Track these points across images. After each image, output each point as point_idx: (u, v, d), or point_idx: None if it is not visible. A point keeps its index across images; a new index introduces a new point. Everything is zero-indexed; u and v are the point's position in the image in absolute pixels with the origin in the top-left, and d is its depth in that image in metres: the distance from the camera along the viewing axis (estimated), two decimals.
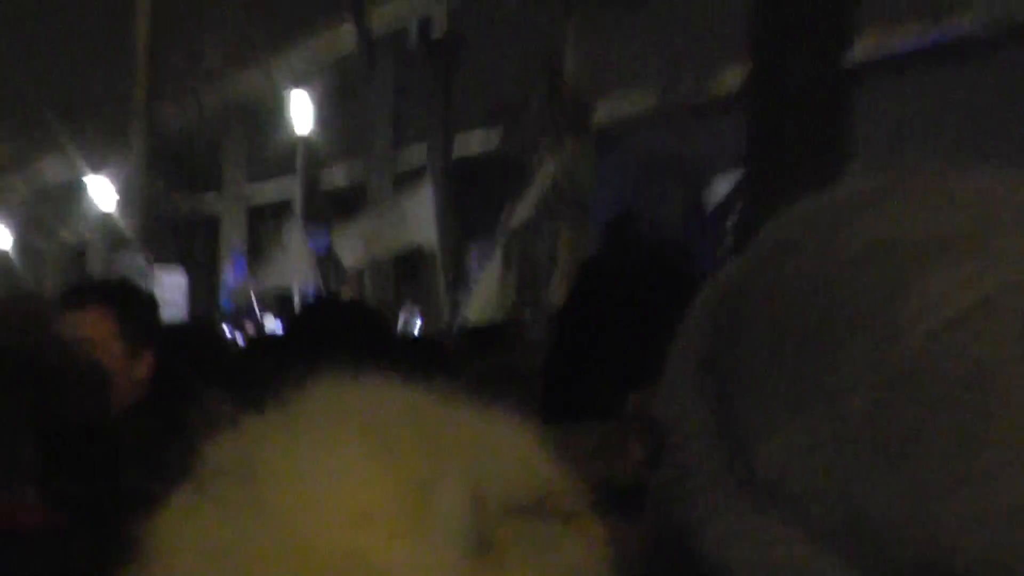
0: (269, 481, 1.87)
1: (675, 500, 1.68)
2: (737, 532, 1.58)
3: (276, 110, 57.69)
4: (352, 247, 40.32)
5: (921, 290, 1.52)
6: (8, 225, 76.19)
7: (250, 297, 44.11)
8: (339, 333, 7.07)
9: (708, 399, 1.68)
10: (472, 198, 45.31)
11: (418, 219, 38.55)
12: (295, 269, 43.32)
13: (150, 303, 9.87)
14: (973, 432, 1.47)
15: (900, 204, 1.66)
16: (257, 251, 57.38)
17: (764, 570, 1.56)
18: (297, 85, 55.93)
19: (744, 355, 1.66)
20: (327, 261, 44.16)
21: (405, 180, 49.82)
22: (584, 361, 5.36)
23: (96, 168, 63.27)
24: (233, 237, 60.33)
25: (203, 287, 55.92)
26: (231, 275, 52.73)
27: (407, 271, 44.23)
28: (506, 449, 1.97)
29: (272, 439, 1.94)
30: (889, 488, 1.50)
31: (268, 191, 63.33)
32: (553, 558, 1.80)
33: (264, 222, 61.77)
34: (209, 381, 8.55)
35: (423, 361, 8.09)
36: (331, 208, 57.53)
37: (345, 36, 53.70)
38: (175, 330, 13.26)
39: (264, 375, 6.21)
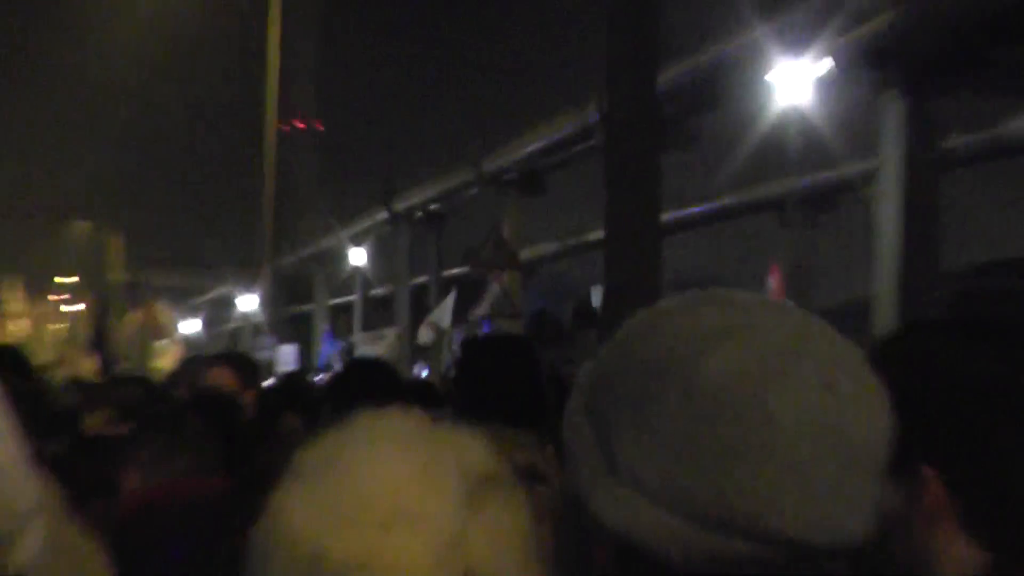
0: (341, 467, 2.20)
1: (573, 481, 1.86)
2: (608, 500, 1.76)
3: (343, 256, 57.42)
4: (423, 332, 40.63)
5: (710, 359, 1.71)
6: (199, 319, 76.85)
7: (335, 359, 44.40)
8: (373, 381, 6.91)
9: (590, 425, 1.84)
10: (458, 302, 44.13)
11: (444, 313, 39.57)
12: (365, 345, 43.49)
13: (253, 364, 10.48)
14: (732, 441, 1.66)
15: (698, 309, 1.83)
16: (336, 333, 58.13)
17: (623, 522, 1.74)
18: (355, 244, 56.06)
19: (609, 399, 1.81)
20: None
21: (419, 294, 51.02)
22: (466, 396, 6.26)
23: (245, 289, 63.30)
24: (322, 326, 59.17)
25: (306, 355, 53.49)
26: (323, 347, 51.63)
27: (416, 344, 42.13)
28: (473, 445, 2.26)
29: (340, 443, 2.26)
30: (692, 471, 1.69)
31: (339, 300, 62.24)
32: (505, 508, 2.11)
33: (338, 317, 62.32)
34: (297, 408, 8.72)
35: (424, 397, 8.61)
36: (377, 309, 58.49)
37: (381, 214, 52.68)
38: (284, 379, 14.09)
39: (336, 406, 6.66)
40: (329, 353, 43.99)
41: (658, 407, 1.66)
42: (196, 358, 13.26)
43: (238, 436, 6.01)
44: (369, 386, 5.87)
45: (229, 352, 12.61)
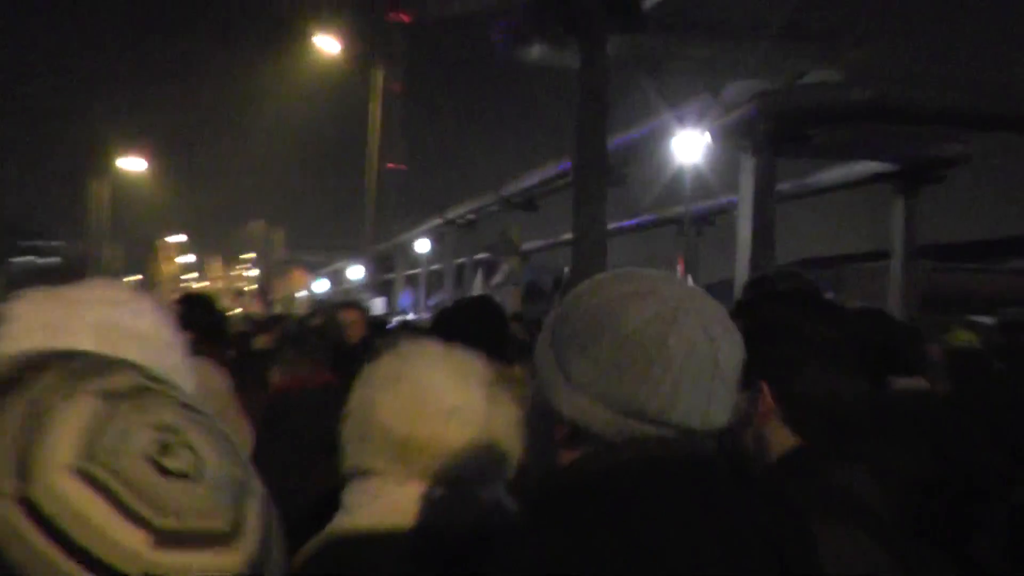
0: (410, 378, 2.13)
1: (541, 389, 1.69)
2: (564, 399, 1.62)
3: (413, 245, 54.98)
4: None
5: (632, 308, 1.61)
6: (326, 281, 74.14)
7: (408, 307, 43.32)
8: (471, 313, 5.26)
9: (552, 351, 1.68)
10: (483, 275, 43.32)
11: (476, 284, 38.69)
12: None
13: (363, 306, 9.62)
14: (643, 364, 1.56)
15: (621, 279, 1.70)
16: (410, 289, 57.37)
17: (574, 413, 1.62)
18: (421, 238, 54.25)
19: (564, 334, 1.67)
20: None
21: (459, 270, 50.72)
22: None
23: (355, 263, 62.29)
24: (400, 288, 57.04)
25: (390, 304, 51.08)
26: (401, 300, 50.07)
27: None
28: (478, 361, 2.22)
29: (403, 361, 2.18)
30: (618, 382, 1.58)
31: (411, 272, 58.64)
32: (507, 401, 2.11)
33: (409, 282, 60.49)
34: (381, 334, 8.20)
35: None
36: (433, 278, 56.30)
37: (436, 220, 50.92)
38: (377, 319, 13.66)
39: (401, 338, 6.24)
40: (405, 304, 42.93)
41: (595, 343, 1.62)
42: (326, 304, 13.12)
43: (343, 350, 5.72)
44: (467, 317, 4.94)
45: (349, 299, 12.31)
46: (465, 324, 4.58)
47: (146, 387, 0.96)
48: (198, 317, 5.02)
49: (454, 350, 2.33)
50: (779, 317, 2.40)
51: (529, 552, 1.50)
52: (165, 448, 0.89)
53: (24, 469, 0.86)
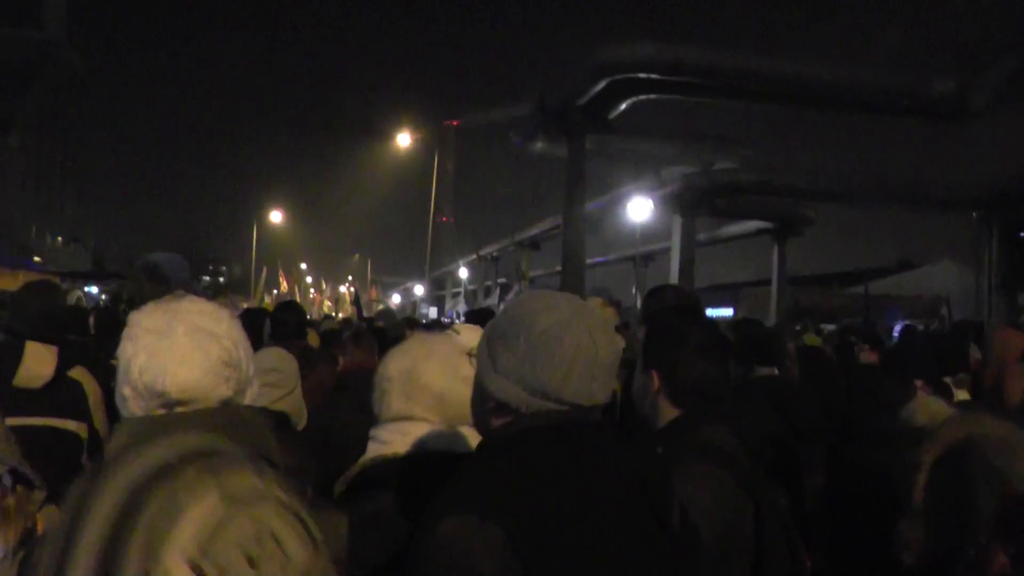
0: (438, 353, 2.01)
1: (478, 374, 1.57)
2: (492, 382, 1.50)
3: (458, 272, 54.22)
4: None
5: (541, 317, 1.49)
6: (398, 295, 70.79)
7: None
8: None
9: (486, 347, 1.55)
10: (500, 295, 42.37)
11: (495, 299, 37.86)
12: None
13: (416, 321, 8.84)
14: (546, 356, 1.46)
15: (534, 298, 1.57)
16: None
17: (498, 393, 1.49)
18: (463, 268, 53.09)
19: (494, 336, 1.54)
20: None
21: (488, 291, 49.94)
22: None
23: (418, 283, 60.75)
24: (449, 304, 56.28)
25: (441, 313, 48.76)
26: (448, 312, 47.45)
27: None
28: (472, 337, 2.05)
29: (431, 343, 2.06)
30: (529, 370, 1.46)
31: (456, 290, 57.68)
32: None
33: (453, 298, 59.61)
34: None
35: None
36: (472, 296, 55.14)
37: (472, 257, 49.82)
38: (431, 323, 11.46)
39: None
40: (450, 314, 41.96)
41: (515, 338, 1.52)
42: (388, 311, 12.49)
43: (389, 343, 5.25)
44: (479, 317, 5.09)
45: (408, 318, 11.42)
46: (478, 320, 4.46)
47: (259, 493, 0.90)
48: (289, 319, 4.83)
49: (452, 336, 2.31)
50: (666, 323, 2.32)
51: (464, 488, 1.41)
52: (262, 548, 0.83)
53: (151, 551, 0.83)
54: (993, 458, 1.55)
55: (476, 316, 5.77)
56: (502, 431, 1.52)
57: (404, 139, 69.57)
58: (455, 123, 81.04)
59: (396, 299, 68.34)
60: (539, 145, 23.28)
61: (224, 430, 1.49)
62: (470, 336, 2.62)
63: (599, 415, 1.55)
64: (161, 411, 1.50)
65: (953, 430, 1.63)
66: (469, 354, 1.69)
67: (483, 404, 1.57)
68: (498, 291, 40.65)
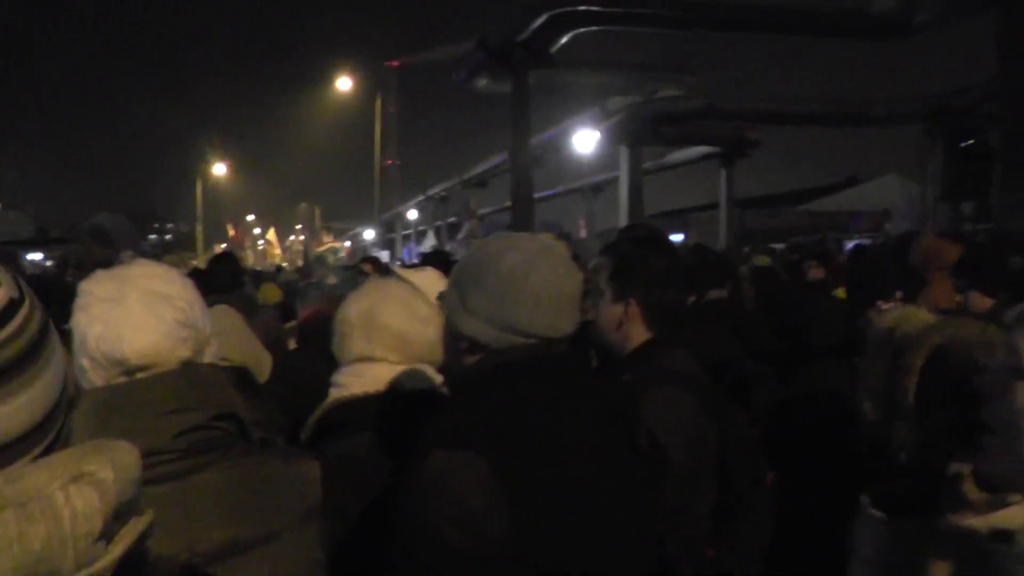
0: (396, 297, 2.04)
1: (448, 315, 1.58)
2: (463, 321, 1.52)
3: (406, 214, 54.30)
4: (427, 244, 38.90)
5: (506, 257, 1.51)
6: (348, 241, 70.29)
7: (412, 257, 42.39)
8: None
9: (455, 288, 1.56)
10: (449, 233, 42.70)
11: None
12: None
13: (377, 260, 8.55)
14: (514, 293, 1.49)
15: (500, 238, 1.60)
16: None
17: (470, 331, 1.52)
18: (412, 209, 52.81)
19: (462, 276, 1.56)
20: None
21: (437, 230, 49.55)
22: None
23: (368, 227, 60.08)
24: (402, 244, 55.63)
25: (394, 256, 50.84)
26: (404, 252, 46.00)
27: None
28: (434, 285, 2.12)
29: (389, 286, 2.10)
30: (497, 307, 1.49)
31: (406, 232, 57.10)
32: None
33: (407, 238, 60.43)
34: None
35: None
36: (420, 236, 55.02)
37: (420, 197, 48.77)
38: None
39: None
40: (405, 256, 41.53)
41: (483, 279, 1.54)
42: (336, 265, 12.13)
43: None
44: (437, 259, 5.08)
45: (368, 256, 11.28)
46: (437, 262, 4.54)
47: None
48: (223, 271, 4.72)
49: (413, 283, 2.32)
50: (638, 253, 2.34)
51: (447, 424, 1.44)
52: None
53: None
54: (977, 355, 1.61)
55: (433, 258, 5.68)
56: (476, 367, 1.55)
57: (345, 83, 67.94)
58: (396, 63, 79.95)
59: (348, 244, 67.74)
60: (483, 82, 22.96)
61: (186, 391, 1.51)
62: (421, 280, 2.64)
63: (565, 346, 1.57)
64: (122, 379, 1.50)
65: (939, 332, 1.68)
66: (440, 297, 1.69)
67: (456, 343, 1.60)
68: (431, 234, 40.05)
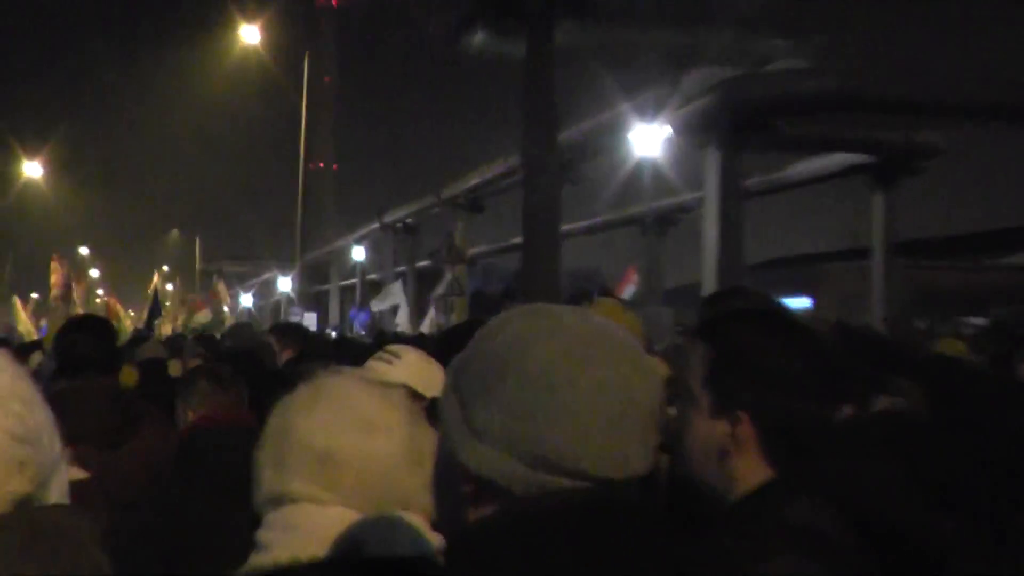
0: (333, 398, 2.19)
1: (445, 439, 1.67)
2: (469, 452, 1.60)
3: (349, 252, 54.01)
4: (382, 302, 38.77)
5: (537, 346, 1.59)
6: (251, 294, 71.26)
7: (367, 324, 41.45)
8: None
9: (455, 397, 1.66)
10: (422, 286, 42.70)
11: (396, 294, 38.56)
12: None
13: (293, 330, 9.30)
14: (551, 406, 1.54)
15: (526, 317, 1.68)
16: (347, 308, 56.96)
17: (480, 467, 1.60)
18: (357, 244, 53.16)
19: (467, 379, 1.65)
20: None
21: (399, 278, 50.91)
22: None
23: (283, 274, 60.78)
24: (336, 301, 57.27)
25: (323, 319, 50.76)
26: (352, 315, 45.48)
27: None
28: (401, 389, 2.34)
29: (327, 384, 2.23)
30: (524, 429, 1.56)
31: (346, 282, 58.62)
32: (427, 426, 2.09)
33: (344, 295, 60.88)
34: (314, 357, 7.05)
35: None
36: (371, 289, 55.68)
37: (374, 224, 50.82)
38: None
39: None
40: (363, 320, 41.62)
41: (500, 384, 1.59)
42: (244, 325, 12.67)
43: (263, 381, 5.27)
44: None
45: (277, 324, 11.75)
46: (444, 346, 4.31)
47: None
48: (88, 343, 4.85)
49: (386, 376, 2.45)
50: (752, 340, 2.38)
51: None
52: None
53: None
54: None
55: (445, 341, 5.50)
56: (486, 526, 1.58)
57: (250, 34, 67.64)
58: (333, 2, 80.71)
59: (247, 300, 68.26)
60: (478, 39, 23.51)
61: (22, 550, 1.51)
62: (410, 363, 2.77)
63: (635, 493, 1.60)
64: None
65: None
66: (431, 406, 1.79)
67: (454, 486, 1.64)
68: (399, 283, 40.59)
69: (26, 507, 1.57)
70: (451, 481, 1.65)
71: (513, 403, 1.57)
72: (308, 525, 2.08)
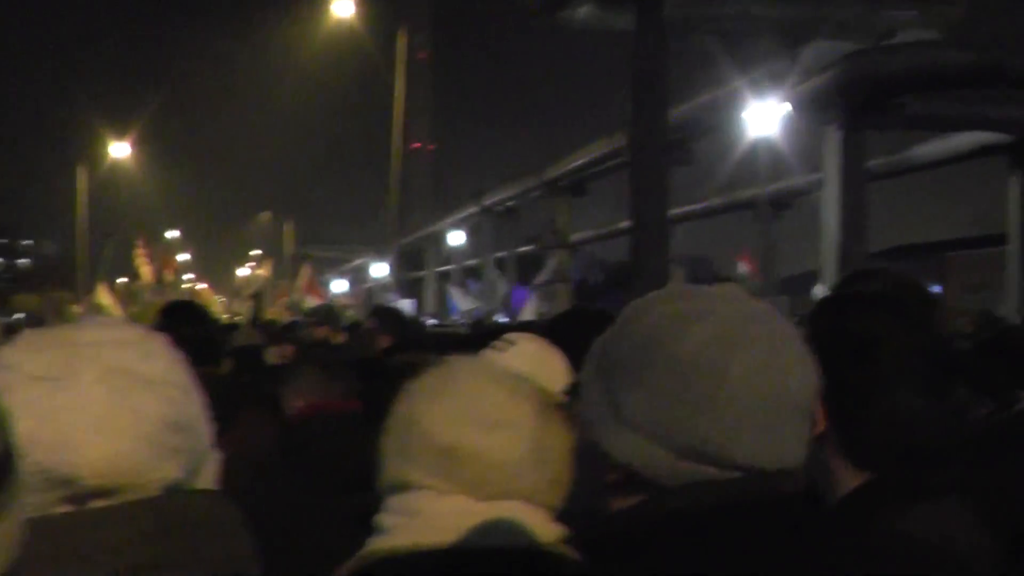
0: (459, 388, 2.16)
1: (589, 428, 1.72)
2: (615, 440, 1.65)
3: (445, 237, 56.57)
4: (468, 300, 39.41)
5: (687, 332, 1.61)
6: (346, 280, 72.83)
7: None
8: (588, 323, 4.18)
9: (599, 384, 1.71)
10: (524, 272, 43.26)
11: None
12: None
13: (393, 315, 9.22)
14: (703, 393, 1.57)
15: (674, 299, 1.71)
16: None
17: (627, 455, 1.63)
18: (454, 229, 55.07)
19: (612, 364, 1.70)
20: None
21: (498, 265, 50.40)
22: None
23: (378, 259, 62.21)
24: (431, 287, 58.50)
25: (419, 307, 50.11)
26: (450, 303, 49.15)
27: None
28: (532, 381, 2.31)
29: (454, 371, 2.22)
30: (674, 417, 1.59)
31: (442, 268, 59.41)
32: (563, 424, 2.08)
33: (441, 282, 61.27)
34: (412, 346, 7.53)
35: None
36: (468, 275, 56.17)
37: (472, 208, 51.49)
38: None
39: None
40: (455, 309, 42.11)
41: (649, 370, 1.61)
42: (331, 310, 12.83)
43: (370, 367, 5.53)
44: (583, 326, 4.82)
45: (378, 307, 12.28)
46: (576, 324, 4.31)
47: None
48: (184, 330, 4.83)
49: (505, 365, 2.37)
50: (883, 328, 2.33)
51: None
52: None
53: None
54: None
55: (554, 330, 5.50)
56: (631, 518, 1.61)
57: (343, 7, 68.41)
58: None
59: (340, 286, 69.30)
60: (582, 11, 23.65)
61: (169, 535, 1.58)
62: (528, 352, 2.86)
63: (794, 485, 1.62)
64: (65, 508, 1.54)
65: None
66: (571, 392, 1.69)
67: (596, 475, 1.70)
68: (517, 269, 41.03)
69: (176, 493, 1.62)
70: (593, 470, 1.70)
71: (662, 389, 1.60)
72: (429, 512, 2.09)
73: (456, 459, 2.08)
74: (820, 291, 21.43)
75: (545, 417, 2.13)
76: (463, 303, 39.81)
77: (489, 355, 3.27)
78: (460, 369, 2.26)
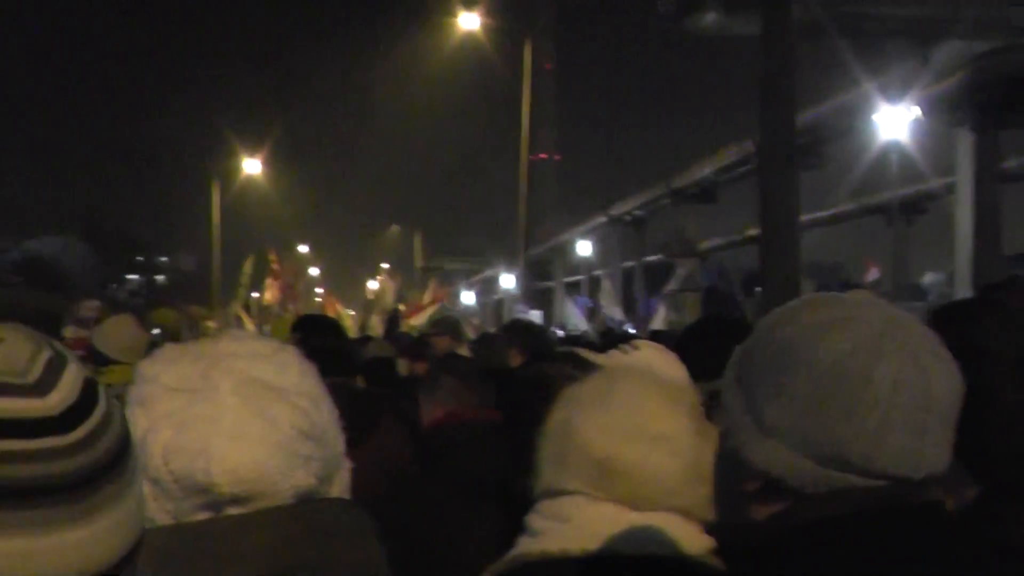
0: (616, 399, 2.17)
1: (729, 436, 1.70)
2: (755, 448, 1.63)
3: (574, 247, 54.82)
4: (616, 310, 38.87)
5: (828, 339, 1.58)
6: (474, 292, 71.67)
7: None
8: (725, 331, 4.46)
9: (740, 391, 1.69)
10: (653, 281, 43.88)
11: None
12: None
13: (528, 331, 8.93)
14: (845, 401, 1.55)
15: (814, 306, 1.68)
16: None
17: (767, 464, 1.61)
18: (582, 239, 53.45)
19: (753, 372, 1.68)
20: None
21: (627, 275, 49.47)
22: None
23: (506, 271, 60.91)
24: (561, 297, 57.06)
25: (548, 318, 49.72)
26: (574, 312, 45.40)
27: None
28: (689, 390, 2.32)
29: (611, 382, 2.24)
30: (817, 425, 1.57)
31: (571, 279, 59.33)
32: (714, 437, 1.94)
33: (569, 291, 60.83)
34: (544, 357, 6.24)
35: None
36: (597, 285, 55.78)
37: (600, 218, 50.85)
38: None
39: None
40: (580, 313, 41.42)
41: (790, 378, 1.60)
42: (451, 321, 12.83)
43: (504, 378, 5.15)
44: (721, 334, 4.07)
45: (514, 322, 11.73)
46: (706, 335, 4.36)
47: None
48: (316, 342, 4.90)
49: (665, 375, 2.41)
50: (957, 332, 2.18)
51: None
52: None
53: None
54: None
55: (688, 339, 5.37)
56: (775, 527, 1.61)
57: (469, 21, 68.34)
58: None
59: (469, 298, 68.59)
60: (709, 18, 23.32)
61: (303, 541, 1.61)
62: (647, 359, 2.83)
63: (939, 494, 1.63)
64: (202, 515, 1.62)
65: None
66: (707, 402, 1.84)
67: (737, 483, 1.69)
68: (644, 279, 40.31)
69: (309, 502, 1.67)
70: (737, 478, 1.69)
71: (804, 397, 1.59)
72: (580, 518, 2.13)
73: (612, 472, 2.12)
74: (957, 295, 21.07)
75: (702, 431, 2.16)
76: (581, 318, 39.37)
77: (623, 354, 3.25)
78: (619, 378, 2.30)
